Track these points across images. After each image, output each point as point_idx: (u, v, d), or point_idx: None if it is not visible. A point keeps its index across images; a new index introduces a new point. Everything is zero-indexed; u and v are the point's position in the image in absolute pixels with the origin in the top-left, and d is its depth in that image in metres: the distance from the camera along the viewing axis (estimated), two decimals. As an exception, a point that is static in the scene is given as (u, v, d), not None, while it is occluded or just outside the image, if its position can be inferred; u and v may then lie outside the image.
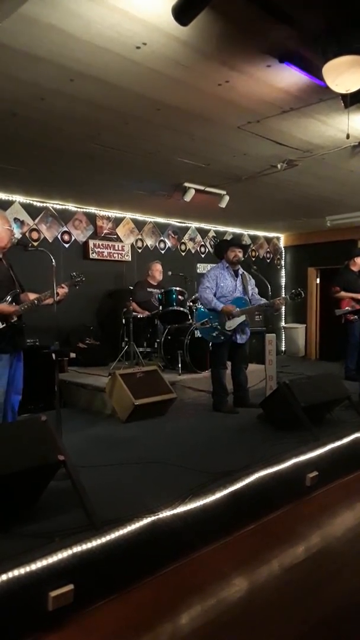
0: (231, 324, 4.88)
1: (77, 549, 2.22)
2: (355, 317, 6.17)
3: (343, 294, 6.54)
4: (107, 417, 5.02)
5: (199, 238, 8.54)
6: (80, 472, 2.65)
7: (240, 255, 5.07)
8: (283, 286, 9.90)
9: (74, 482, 2.50)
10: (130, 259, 7.49)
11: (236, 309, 4.84)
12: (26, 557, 2.12)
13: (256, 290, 5.21)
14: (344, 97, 3.16)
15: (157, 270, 6.75)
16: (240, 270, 5.15)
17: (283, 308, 9.63)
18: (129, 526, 2.44)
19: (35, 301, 3.62)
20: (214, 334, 4.91)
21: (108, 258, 7.23)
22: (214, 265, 5.24)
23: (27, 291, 3.83)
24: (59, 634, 2.07)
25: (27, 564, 2.08)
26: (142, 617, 2.21)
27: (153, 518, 2.54)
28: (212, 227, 8.71)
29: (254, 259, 9.26)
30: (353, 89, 2.94)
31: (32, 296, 3.71)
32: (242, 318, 4.92)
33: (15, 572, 2.04)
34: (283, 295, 5.25)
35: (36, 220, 6.47)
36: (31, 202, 6.39)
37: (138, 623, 2.17)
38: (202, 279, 5.08)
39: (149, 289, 6.64)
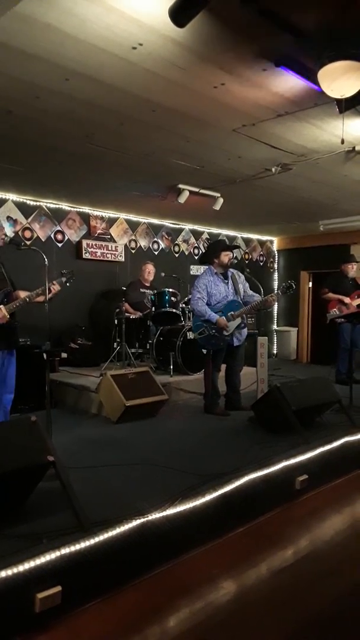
0: (228, 329, 4.87)
1: (65, 550, 2.21)
2: (343, 320, 6.19)
3: (331, 295, 6.58)
4: (97, 418, 5.00)
5: (192, 240, 8.54)
6: (69, 473, 2.64)
7: (232, 257, 5.08)
8: (275, 289, 9.92)
9: (63, 483, 2.49)
10: (123, 260, 7.47)
11: (229, 320, 4.82)
12: (13, 558, 2.10)
13: (247, 285, 5.18)
14: (338, 102, 3.17)
15: (145, 271, 6.74)
16: (230, 272, 5.11)
17: (275, 306, 9.62)
18: (118, 528, 2.43)
19: (27, 299, 3.60)
20: (213, 341, 4.89)
21: (101, 258, 7.21)
22: (205, 267, 5.20)
23: (19, 289, 3.81)
24: (45, 636, 2.06)
25: (14, 565, 2.07)
26: (130, 619, 2.20)
27: (142, 520, 2.53)
28: (206, 229, 8.72)
29: (247, 261, 9.28)
30: (348, 94, 2.96)
31: (23, 294, 3.69)
32: (238, 321, 4.91)
33: (2, 574, 2.03)
34: (275, 292, 5.17)
35: (29, 219, 6.43)
36: (24, 200, 6.36)
37: (126, 625, 2.16)
38: (192, 290, 5.02)
39: (142, 290, 6.63)
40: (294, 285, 4.83)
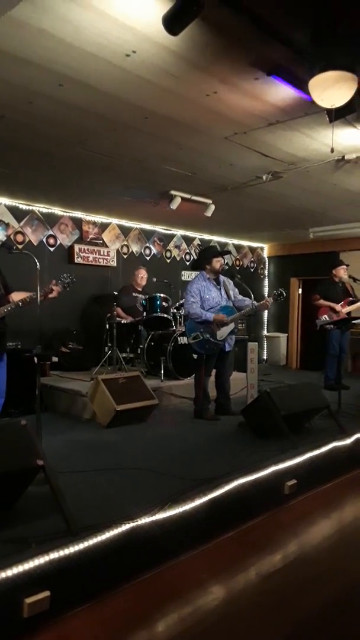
0: (222, 334, 4.88)
1: (54, 555, 2.20)
2: (333, 326, 6.24)
3: (322, 302, 6.62)
4: (88, 422, 4.98)
5: (184, 245, 8.58)
6: (59, 477, 2.63)
7: (223, 263, 5.11)
8: (266, 296, 9.98)
9: (52, 487, 2.48)
10: (115, 265, 7.48)
11: (227, 317, 4.86)
12: (1, 562, 2.09)
13: (237, 290, 5.22)
14: (329, 111, 3.22)
15: (138, 276, 6.75)
16: (221, 278, 5.14)
17: (266, 312, 9.68)
18: (107, 533, 2.42)
19: (19, 303, 3.58)
20: (207, 346, 4.91)
21: (93, 263, 7.21)
22: (197, 273, 5.23)
23: (15, 291, 3.78)
24: (33, 641, 2.04)
25: (2, 569, 2.05)
26: (119, 624, 2.19)
27: (132, 525, 2.53)
28: (198, 235, 8.76)
29: (237, 268, 9.33)
30: (338, 104, 3.01)
31: (16, 297, 3.67)
32: (232, 326, 4.94)
33: (-9, 578, 2.02)
34: (267, 298, 5.20)
35: (21, 223, 6.43)
36: (17, 204, 6.35)
37: (115, 630, 2.15)
38: (186, 295, 5.03)
39: (134, 294, 6.63)
40: (284, 293, 4.95)
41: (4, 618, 2.04)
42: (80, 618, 2.19)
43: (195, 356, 5.06)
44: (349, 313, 6.50)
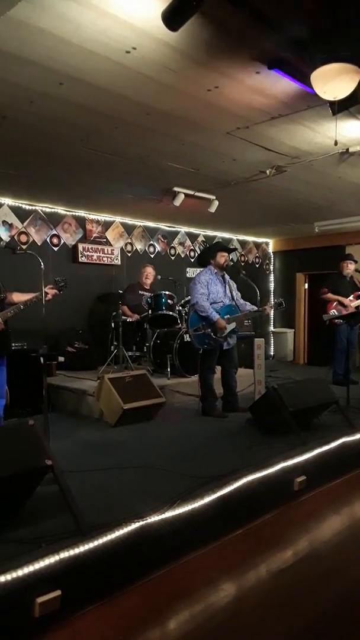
0: (225, 331, 4.89)
1: (64, 554, 2.21)
2: (341, 321, 6.20)
3: (330, 295, 6.57)
4: (95, 422, 4.99)
5: (188, 242, 8.56)
6: (67, 477, 2.63)
7: (228, 258, 5.12)
8: (272, 291, 9.96)
9: (61, 487, 2.49)
10: (119, 263, 7.48)
11: (227, 322, 4.85)
12: (12, 562, 2.10)
13: (239, 294, 5.23)
14: (331, 104, 3.20)
15: (144, 274, 6.73)
16: (226, 276, 5.16)
17: (272, 312, 9.69)
18: (116, 531, 2.43)
19: (21, 306, 3.60)
20: (206, 341, 4.91)
21: (97, 262, 7.21)
22: (202, 269, 5.22)
23: (12, 291, 3.79)
24: (45, 640, 2.05)
25: (13, 569, 2.06)
26: (130, 622, 2.20)
27: (141, 523, 2.53)
28: (202, 232, 8.73)
29: (243, 263, 9.30)
30: (341, 96, 2.98)
31: (16, 297, 3.69)
32: (233, 325, 4.94)
33: (1, 578, 2.02)
34: (271, 302, 5.29)
35: (25, 223, 6.43)
36: (20, 205, 6.36)
37: (126, 629, 2.16)
38: (193, 285, 5.01)
39: (140, 292, 6.62)
40: (284, 304, 5.37)
41: (15, 618, 2.05)
42: (90, 617, 2.20)
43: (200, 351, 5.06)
44: (357, 307, 6.46)
